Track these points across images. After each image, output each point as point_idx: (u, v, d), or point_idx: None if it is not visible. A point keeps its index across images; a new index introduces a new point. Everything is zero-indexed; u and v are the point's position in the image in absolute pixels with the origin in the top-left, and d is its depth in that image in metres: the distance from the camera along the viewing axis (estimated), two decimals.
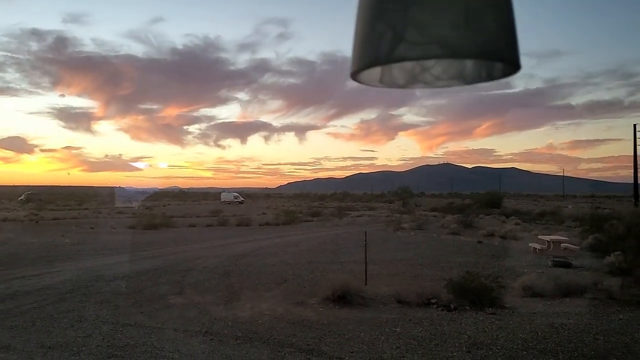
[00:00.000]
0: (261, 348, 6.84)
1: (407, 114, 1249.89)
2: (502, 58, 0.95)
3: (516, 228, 26.65)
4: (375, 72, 1.10)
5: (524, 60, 1.02)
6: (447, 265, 14.24)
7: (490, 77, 1.07)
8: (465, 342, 7.13)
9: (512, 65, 0.98)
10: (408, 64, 1.08)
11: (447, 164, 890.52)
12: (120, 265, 14.46)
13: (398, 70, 1.11)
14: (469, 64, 1.08)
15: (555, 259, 14.46)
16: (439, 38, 0.90)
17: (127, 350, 6.67)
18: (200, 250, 18.68)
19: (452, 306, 8.95)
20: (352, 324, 8.03)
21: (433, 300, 9.25)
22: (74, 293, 10.38)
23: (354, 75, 1.05)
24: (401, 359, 6.53)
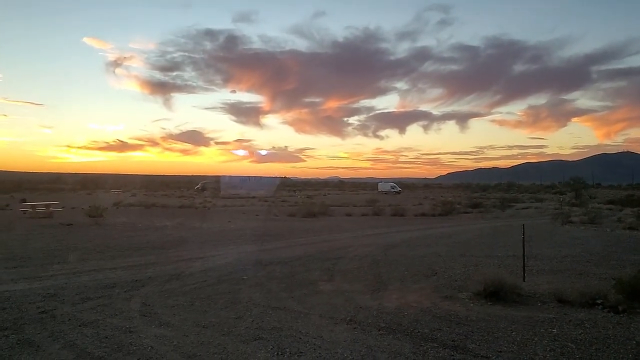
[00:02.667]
0: (404, 340, 6.64)
1: (581, 99, 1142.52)
2: None
3: None
4: None
5: None
6: (618, 264, 12.75)
7: None
8: (633, 349, 6.25)
9: None
10: None
11: (628, 153, 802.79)
12: (277, 251, 15.18)
13: None
14: None
15: None
16: None
17: (273, 333, 6.87)
18: (353, 238, 18.95)
19: (620, 308, 7.95)
20: (503, 322, 7.48)
21: (599, 301, 8.31)
22: (231, 276, 11.08)
23: None
24: None
